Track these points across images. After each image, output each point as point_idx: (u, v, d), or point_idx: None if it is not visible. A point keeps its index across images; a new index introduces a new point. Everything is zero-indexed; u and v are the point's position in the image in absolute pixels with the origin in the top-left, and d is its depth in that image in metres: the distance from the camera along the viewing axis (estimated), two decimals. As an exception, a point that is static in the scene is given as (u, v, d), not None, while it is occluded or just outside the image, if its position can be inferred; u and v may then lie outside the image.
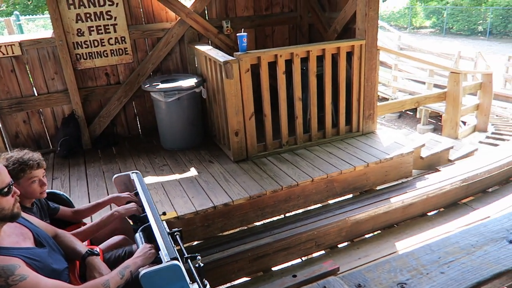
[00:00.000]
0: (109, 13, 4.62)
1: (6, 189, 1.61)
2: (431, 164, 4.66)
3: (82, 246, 2.01)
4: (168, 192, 3.73)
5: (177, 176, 4.04)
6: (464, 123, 7.65)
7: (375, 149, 4.34)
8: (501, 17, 20.04)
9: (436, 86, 9.30)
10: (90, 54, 4.69)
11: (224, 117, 4.20)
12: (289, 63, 4.14)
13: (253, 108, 4.11)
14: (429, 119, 9.64)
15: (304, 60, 4.21)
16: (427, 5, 24.63)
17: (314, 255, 3.57)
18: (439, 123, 8.84)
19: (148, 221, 2.06)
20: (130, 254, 2.09)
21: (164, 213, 2.58)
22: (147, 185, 2.49)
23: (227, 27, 5.18)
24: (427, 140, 4.90)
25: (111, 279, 1.75)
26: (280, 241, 3.35)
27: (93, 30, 4.61)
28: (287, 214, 3.88)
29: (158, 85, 4.45)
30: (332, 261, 3.14)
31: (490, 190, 4.44)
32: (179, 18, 4.87)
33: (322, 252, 3.60)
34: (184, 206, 3.45)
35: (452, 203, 4.18)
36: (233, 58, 3.86)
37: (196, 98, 4.59)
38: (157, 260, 1.83)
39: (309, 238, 3.48)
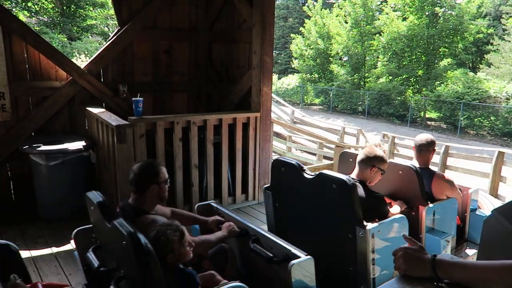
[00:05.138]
0: (-14, 66, 4.19)
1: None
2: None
3: None
4: (40, 269, 3.24)
5: (53, 250, 3.57)
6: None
7: (270, 217, 4.39)
8: (376, 100, 23.25)
9: (325, 157, 10.09)
10: (-42, 109, 4.12)
11: (114, 183, 3.91)
12: (186, 130, 4.13)
13: (147, 175, 3.92)
14: (320, 188, 10.27)
15: (202, 128, 4.24)
16: (316, 86, 27.69)
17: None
18: (329, 192, 9.45)
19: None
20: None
21: None
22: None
23: (124, 90, 5.05)
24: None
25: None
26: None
27: (-36, 83, 4.11)
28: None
29: (40, 146, 4.04)
30: None
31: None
32: (71, 78, 4.63)
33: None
34: (58, 285, 3.00)
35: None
36: (127, 122, 3.72)
37: (84, 162, 4.24)
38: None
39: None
